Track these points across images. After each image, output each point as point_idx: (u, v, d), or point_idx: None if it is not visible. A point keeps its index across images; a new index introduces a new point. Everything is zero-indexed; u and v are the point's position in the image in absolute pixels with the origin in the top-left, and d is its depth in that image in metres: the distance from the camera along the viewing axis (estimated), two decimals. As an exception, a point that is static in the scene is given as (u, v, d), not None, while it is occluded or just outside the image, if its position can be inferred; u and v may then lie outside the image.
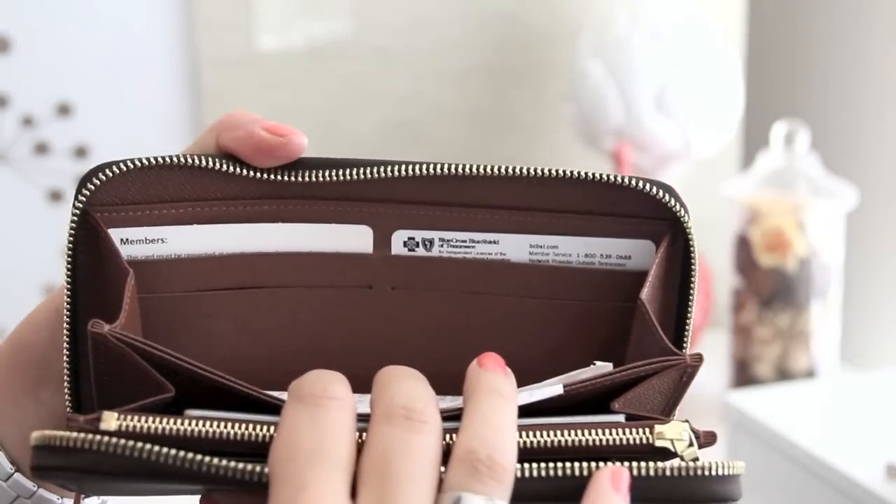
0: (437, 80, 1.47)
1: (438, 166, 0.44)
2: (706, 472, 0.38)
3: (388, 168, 0.44)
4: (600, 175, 0.43)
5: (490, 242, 0.45)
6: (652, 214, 0.44)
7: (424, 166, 0.44)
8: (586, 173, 0.43)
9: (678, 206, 0.44)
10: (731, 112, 1.39)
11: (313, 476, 0.36)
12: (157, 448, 0.36)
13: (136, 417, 0.37)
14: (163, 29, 1.38)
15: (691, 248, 0.44)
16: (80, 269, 0.43)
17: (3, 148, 1.35)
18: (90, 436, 0.36)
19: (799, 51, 1.53)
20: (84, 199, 0.42)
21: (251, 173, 0.43)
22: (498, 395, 0.39)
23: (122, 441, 0.36)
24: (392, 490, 0.37)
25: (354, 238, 0.45)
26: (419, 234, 0.45)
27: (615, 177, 0.43)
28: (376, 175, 0.43)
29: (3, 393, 0.46)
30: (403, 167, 0.44)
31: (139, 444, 0.36)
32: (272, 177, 0.43)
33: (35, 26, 1.33)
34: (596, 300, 0.45)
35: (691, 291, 0.44)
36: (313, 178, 0.43)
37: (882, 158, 1.39)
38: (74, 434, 0.36)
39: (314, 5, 1.42)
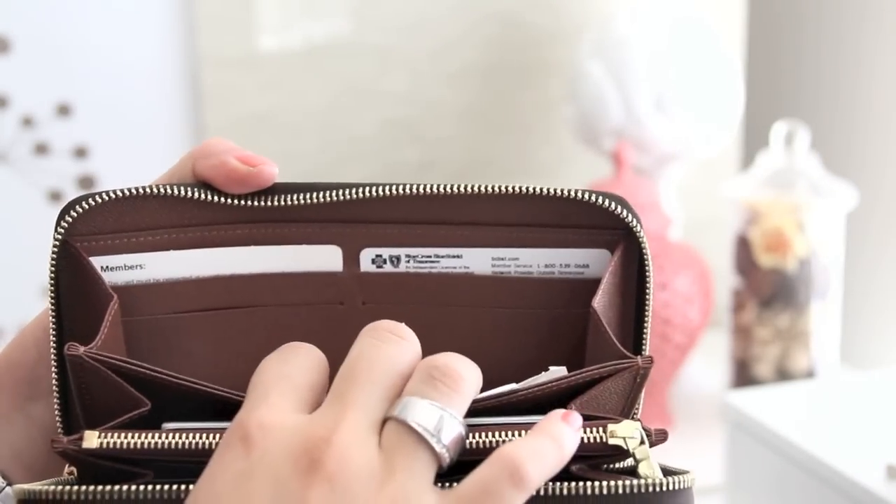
0: (437, 79, 1.47)
1: (401, 187, 0.46)
2: (659, 489, 0.40)
3: (354, 190, 0.46)
4: (553, 190, 0.46)
5: (454, 257, 0.47)
6: (605, 224, 0.46)
7: (388, 187, 0.46)
8: (540, 189, 0.45)
9: (629, 216, 0.46)
10: (731, 112, 1.39)
11: (273, 392, 0.40)
12: (133, 488, 0.39)
13: (115, 434, 0.40)
14: (163, 29, 1.38)
15: (645, 256, 0.46)
16: (64, 295, 0.45)
17: (3, 148, 1.35)
18: (67, 487, 0.39)
19: (799, 51, 1.53)
20: (63, 230, 0.44)
21: (225, 200, 0.46)
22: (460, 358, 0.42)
23: (98, 488, 0.39)
24: (348, 389, 0.40)
25: (325, 257, 0.47)
26: (386, 252, 0.47)
27: (567, 191, 0.46)
28: (343, 198, 0.45)
29: None
30: (369, 189, 0.46)
31: (115, 488, 0.39)
32: (245, 202, 0.46)
33: (35, 26, 1.33)
34: (558, 308, 0.47)
35: (647, 296, 0.46)
36: (284, 203, 0.46)
37: (882, 158, 1.39)
38: (52, 488, 0.39)
39: (314, 5, 1.42)
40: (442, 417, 0.39)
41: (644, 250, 0.46)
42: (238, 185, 0.46)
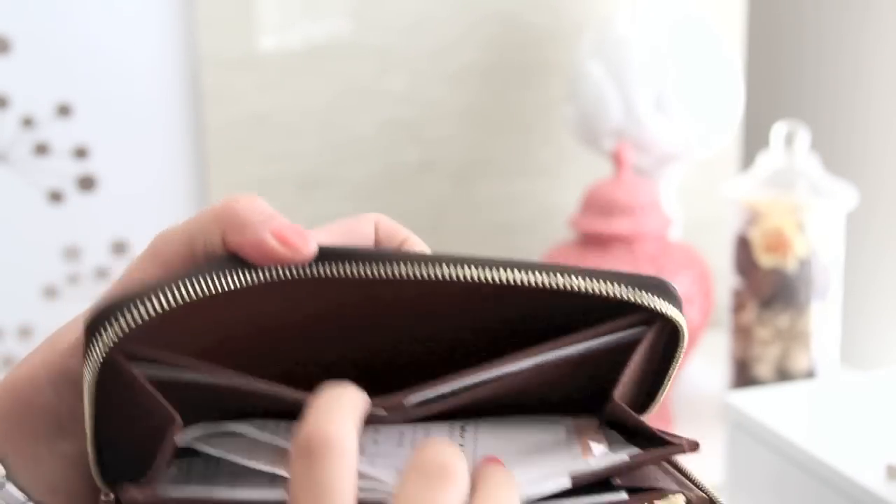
0: (437, 79, 1.47)
1: (453, 271, 0.44)
2: None
3: (400, 268, 0.44)
4: (593, 286, 0.44)
5: (495, 377, 0.46)
6: (645, 309, 0.45)
7: (440, 270, 0.44)
8: (578, 285, 0.44)
9: (670, 308, 0.45)
10: (731, 112, 1.39)
11: None
12: None
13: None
14: (163, 29, 1.38)
15: (682, 336, 0.45)
16: (100, 406, 0.43)
17: (3, 148, 1.35)
18: None
19: (799, 51, 1.53)
20: (111, 346, 0.42)
21: (261, 276, 0.44)
22: (505, 485, 0.41)
23: None
24: None
25: None
26: (431, 392, 0.45)
27: (608, 288, 0.44)
28: (388, 275, 0.44)
29: (19, 451, 0.46)
30: (418, 268, 0.44)
31: None
32: (284, 274, 0.44)
33: (35, 26, 1.33)
34: (598, 361, 0.46)
35: (673, 363, 0.46)
36: (324, 274, 0.44)
37: (882, 158, 1.39)
38: None
39: (314, 5, 1.42)
40: None
41: (682, 332, 0.45)
42: (276, 263, 0.44)
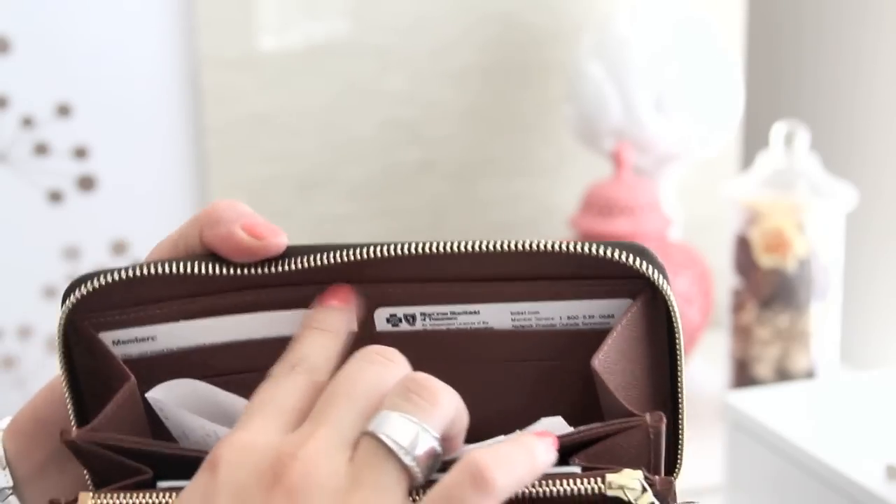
0: (436, 79, 1.47)
1: (413, 246, 0.44)
2: None
3: (364, 251, 0.44)
4: (569, 246, 0.44)
5: (471, 313, 0.46)
6: (626, 274, 0.44)
7: (399, 247, 0.44)
8: (554, 245, 0.44)
9: (649, 268, 0.44)
10: (731, 112, 1.39)
11: (256, 417, 0.40)
12: None
13: (109, 496, 0.41)
14: (163, 29, 1.38)
15: (671, 306, 0.44)
16: (79, 372, 0.45)
17: (3, 148, 1.35)
18: None
19: (799, 51, 1.53)
20: (70, 309, 0.44)
21: (231, 271, 0.45)
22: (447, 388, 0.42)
23: None
24: (326, 407, 0.40)
25: None
26: (401, 311, 0.46)
27: (584, 246, 0.44)
28: (352, 259, 0.44)
29: (29, 463, 0.48)
30: (379, 249, 0.44)
31: None
32: (253, 271, 0.45)
33: (35, 26, 1.33)
34: (582, 359, 0.45)
35: (677, 347, 0.45)
36: (293, 268, 0.45)
37: (882, 158, 1.39)
38: None
39: (314, 5, 1.42)
40: (417, 433, 0.38)
41: (669, 300, 0.44)
42: (245, 258, 0.45)
